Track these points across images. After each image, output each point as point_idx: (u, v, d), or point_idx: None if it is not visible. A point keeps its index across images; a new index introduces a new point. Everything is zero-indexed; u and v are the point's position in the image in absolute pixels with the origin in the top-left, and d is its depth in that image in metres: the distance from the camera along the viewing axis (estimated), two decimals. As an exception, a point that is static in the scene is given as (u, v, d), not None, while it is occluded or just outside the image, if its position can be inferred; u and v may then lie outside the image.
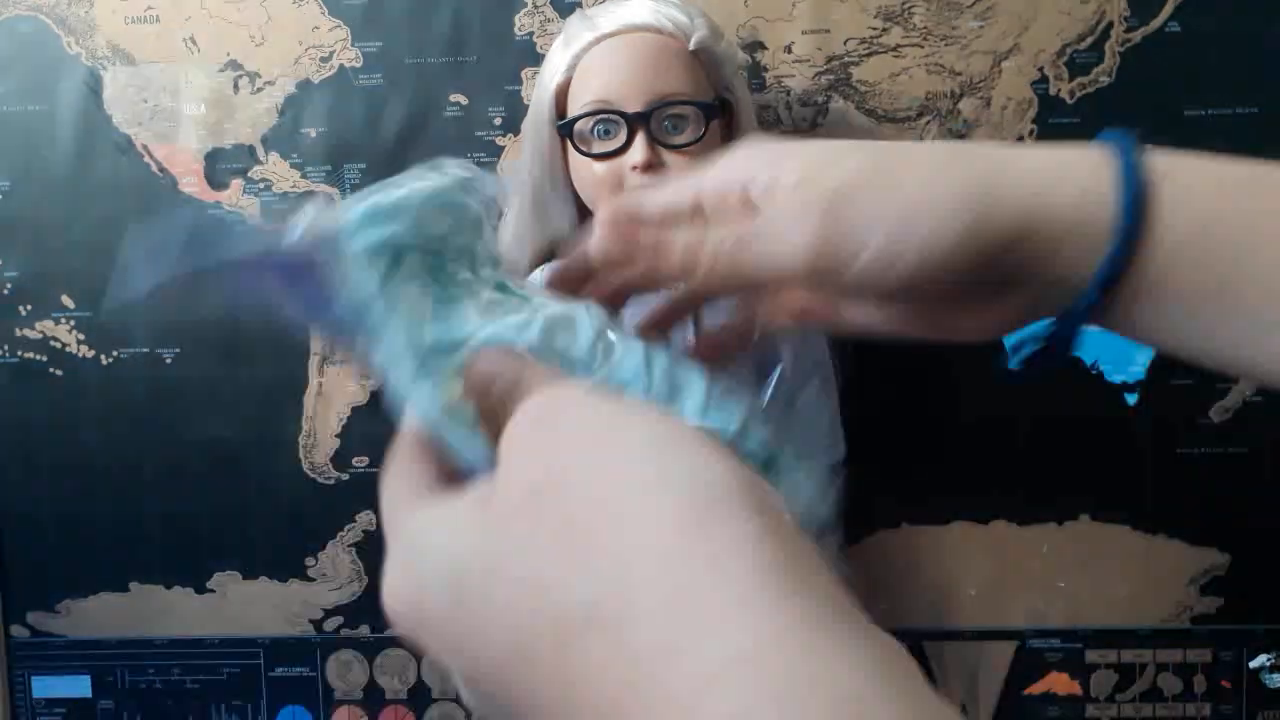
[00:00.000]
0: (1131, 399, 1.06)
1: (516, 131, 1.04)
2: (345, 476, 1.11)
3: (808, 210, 0.26)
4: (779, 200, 0.26)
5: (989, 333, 0.28)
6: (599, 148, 0.86)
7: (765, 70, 1.04)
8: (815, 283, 0.27)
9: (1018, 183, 0.26)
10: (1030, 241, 0.26)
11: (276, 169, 1.08)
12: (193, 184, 1.09)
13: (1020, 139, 1.03)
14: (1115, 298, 0.26)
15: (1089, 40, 1.02)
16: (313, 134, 1.07)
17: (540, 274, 0.87)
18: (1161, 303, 0.26)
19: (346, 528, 1.12)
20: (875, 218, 0.26)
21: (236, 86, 1.08)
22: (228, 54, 1.07)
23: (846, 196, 0.26)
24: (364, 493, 1.11)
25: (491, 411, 0.24)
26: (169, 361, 1.11)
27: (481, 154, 1.06)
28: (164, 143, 1.09)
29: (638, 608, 0.17)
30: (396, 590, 0.22)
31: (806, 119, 1.05)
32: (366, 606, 1.13)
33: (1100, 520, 1.08)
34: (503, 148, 1.06)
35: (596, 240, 0.29)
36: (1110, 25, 1.02)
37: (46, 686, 1.17)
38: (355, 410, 1.10)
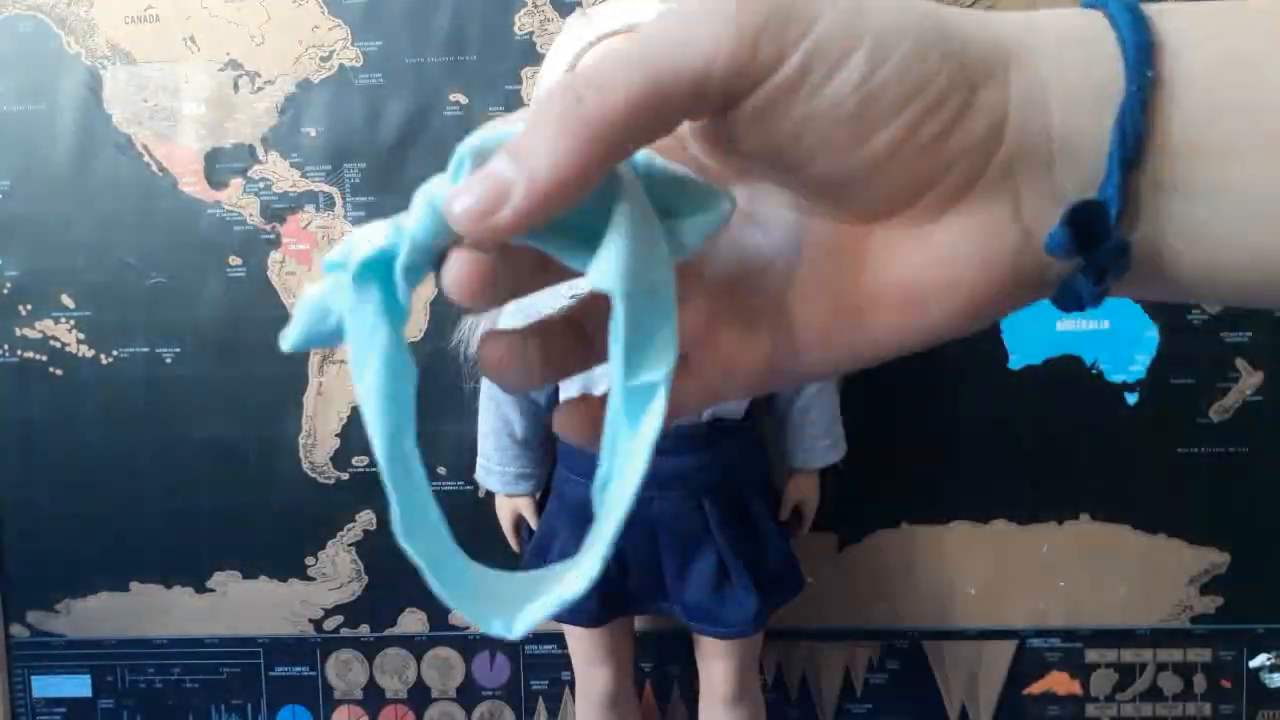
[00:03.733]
0: (1131, 399, 1.06)
1: (516, 131, 1.04)
2: (345, 476, 1.11)
3: None
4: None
5: (939, 281, 0.21)
6: (599, 147, 0.85)
7: (765, 70, 1.04)
8: (726, 102, 0.20)
9: (994, 19, 0.21)
10: (1016, 71, 0.20)
11: (276, 168, 1.08)
12: (192, 183, 1.09)
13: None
14: (1138, 187, 0.20)
15: (1089, 40, 1.02)
16: (313, 133, 1.07)
17: None
18: (1195, 187, 0.20)
19: (346, 527, 1.12)
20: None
21: (236, 86, 1.08)
22: (227, 53, 1.07)
23: None
24: (364, 492, 1.11)
25: None
26: (169, 361, 1.11)
27: (481, 154, 1.06)
28: (164, 142, 1.09)
29: None
30: None
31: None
32: (366, 606, 1.13)
33: (1100, 520, 1.08)
34: (503, 147, 1.06)
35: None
36: (1110, 25, 1.02)
37: (46, 686, 1.17)
38: (355, 410, 1.10)
